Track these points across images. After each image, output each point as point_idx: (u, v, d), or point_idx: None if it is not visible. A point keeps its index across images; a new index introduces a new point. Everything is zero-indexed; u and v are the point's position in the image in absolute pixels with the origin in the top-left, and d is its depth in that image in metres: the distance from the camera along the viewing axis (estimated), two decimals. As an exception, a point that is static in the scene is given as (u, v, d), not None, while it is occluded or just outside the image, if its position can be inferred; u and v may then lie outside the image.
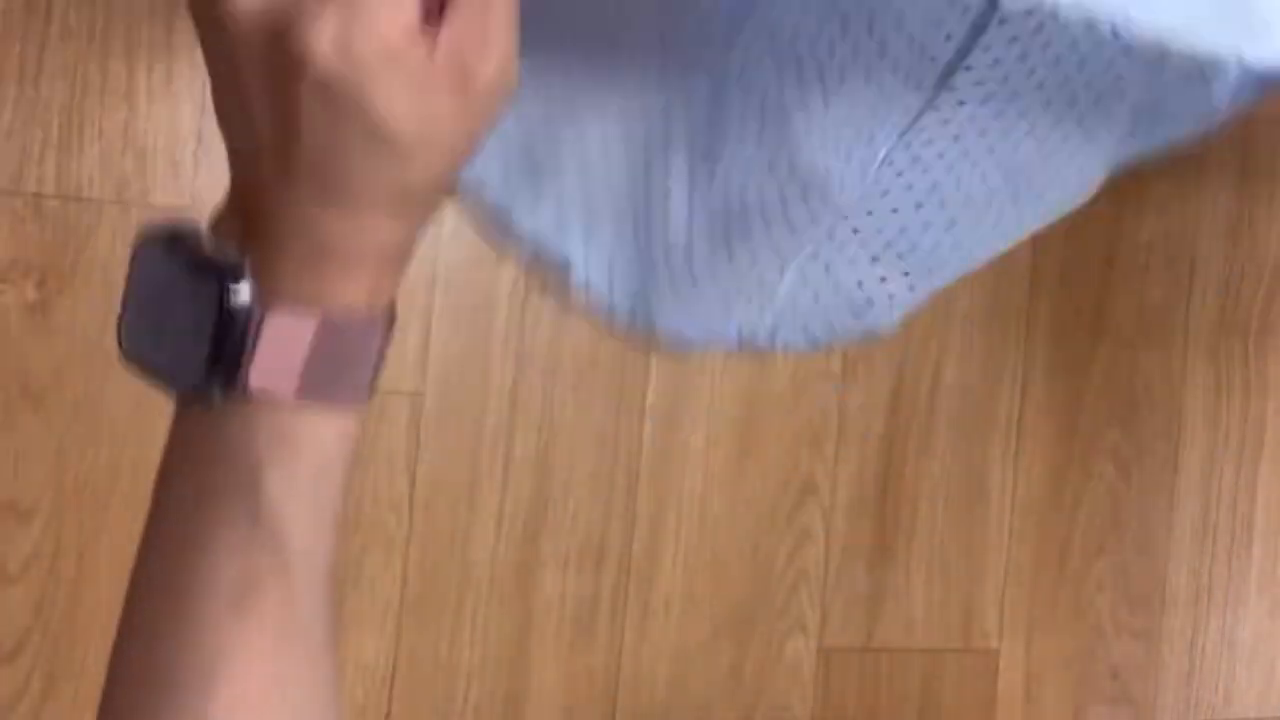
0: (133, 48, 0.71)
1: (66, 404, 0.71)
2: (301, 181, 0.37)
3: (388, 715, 0.79)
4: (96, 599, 0.72)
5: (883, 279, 0.52)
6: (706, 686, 0.87)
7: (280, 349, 0.37)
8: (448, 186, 0.39)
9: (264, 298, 0.36)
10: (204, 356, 0.36)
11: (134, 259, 0.37)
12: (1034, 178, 0.55)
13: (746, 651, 0.88)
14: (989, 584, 0.95)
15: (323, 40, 0.34)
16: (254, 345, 0.36)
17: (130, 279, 0.37)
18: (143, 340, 0.39)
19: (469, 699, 0.81)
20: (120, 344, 0.37)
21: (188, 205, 0.72)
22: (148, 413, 0.73)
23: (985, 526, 0.94)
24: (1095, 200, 0.48)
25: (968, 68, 0.48)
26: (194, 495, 0.38)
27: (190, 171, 0.73)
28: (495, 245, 0.44)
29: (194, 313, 0.37)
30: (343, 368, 0.38)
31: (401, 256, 0.38)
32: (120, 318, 0.37)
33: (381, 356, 0.38)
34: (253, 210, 0.37)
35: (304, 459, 0.38)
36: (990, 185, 0.52)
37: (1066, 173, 0.56)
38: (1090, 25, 0.47)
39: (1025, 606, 0.96)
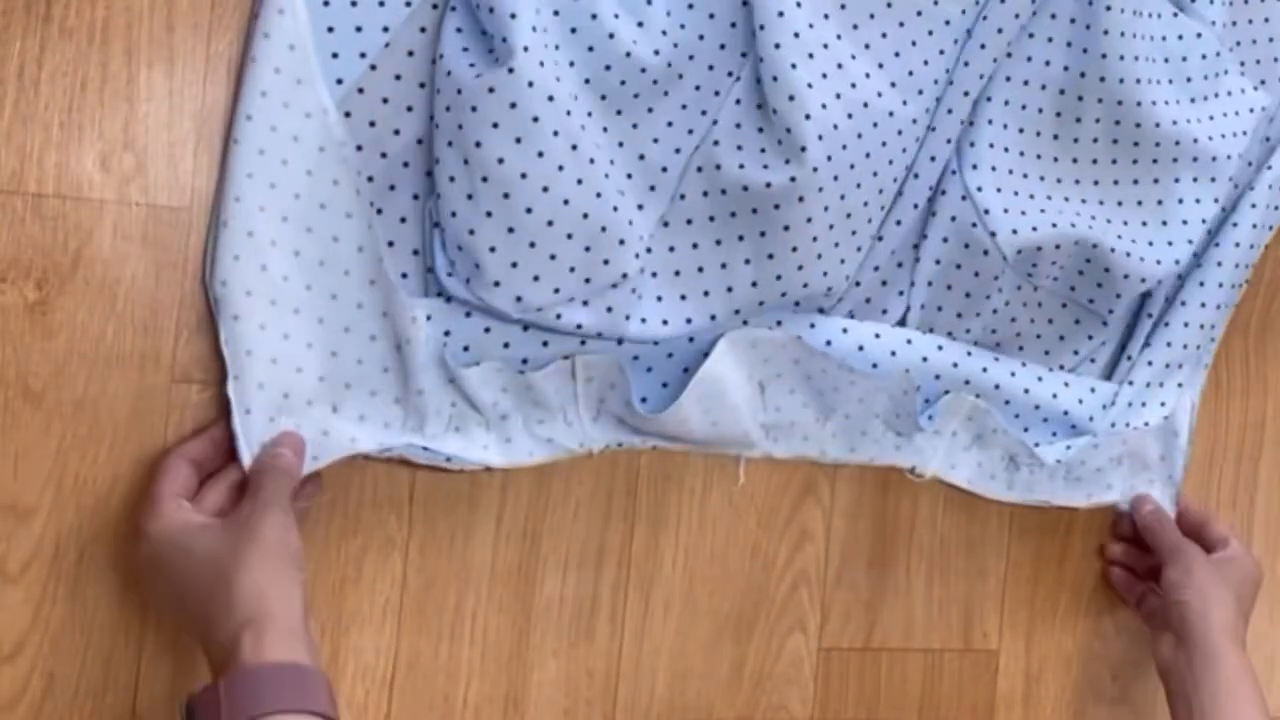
0: (133, 48, 0.71)
1: (66, 404, 0.71)
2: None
3: (387, 715, 0.79)
4: (96, 599, 0.72)
5: None
6: (706, 686, 0.87)
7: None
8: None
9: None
10: None
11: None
12: None
13: (746, 651, 0.88)
14: (989, 584, 0.95)
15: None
16: None
17: None
18: None
19: (469, 699, 0.81)
20: None
21: (188, 205, 0.73)
22: (148, 413, 0.73)
23: (985, 526, 0.94)
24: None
25: None
26: None
27: (190, 171, 0.73)
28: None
29: None
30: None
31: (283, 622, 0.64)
32: None
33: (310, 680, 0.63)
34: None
35: None
36: None
37: None
38: None
39: (1025, 606, 0.96)
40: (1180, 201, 0.91)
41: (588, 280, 0.77)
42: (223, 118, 0.73)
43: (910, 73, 0.84)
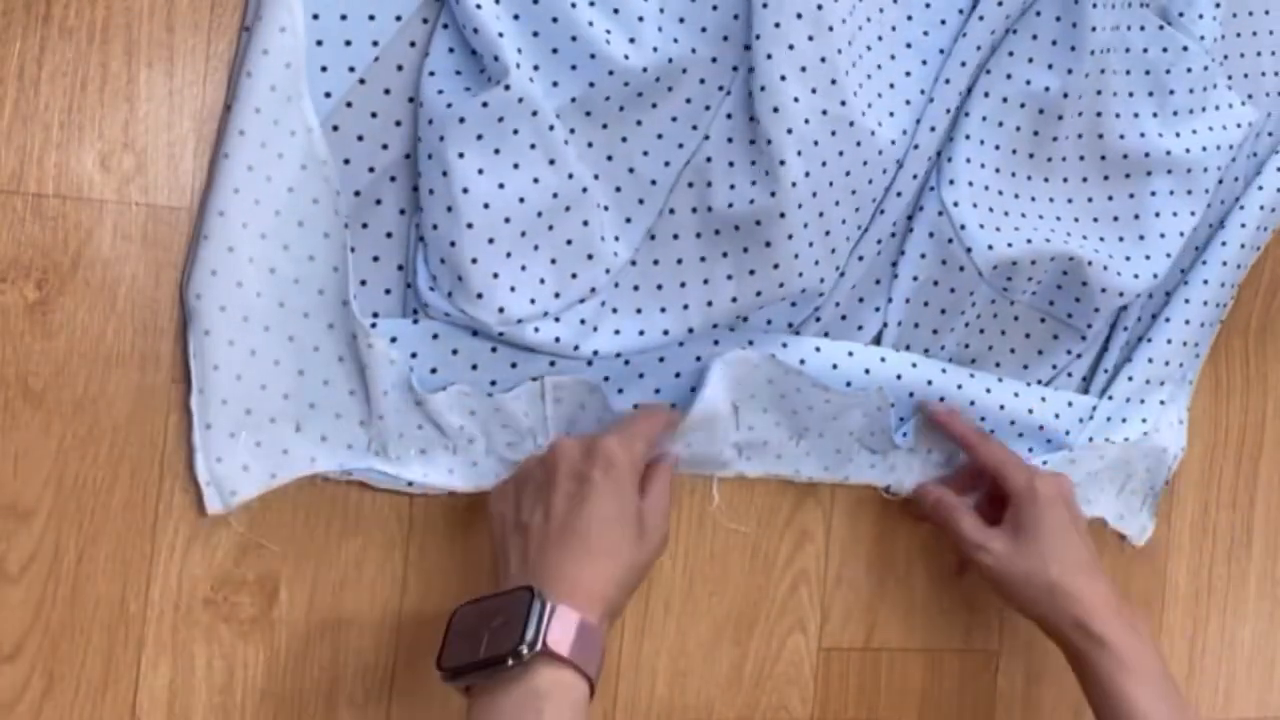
0: (133, 48, 0.71)
1: (66, 404, 0.71)
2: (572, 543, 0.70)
3: (387, 715, 0.79)
4: (96, 599, 0.72)
5: None
6: (706, 686, 0.87)
7: (562, 628, 0.66)
8: (632, 580, 0.73)
9: (550, 601, 0.67)
10: (519, 635, 0.65)
11: (453, 615, 0.70)
12: None
13: (746, 651, 0.88)
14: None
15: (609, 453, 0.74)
16: (549, 625, 0.66)
17: (450, 627, 0.70)
18: (463, 653, 0.68)
19: (469, 699, 0.81)
20: (443, 669, 0.68)
21: (188, 205, 0.73)
22: (148, 413, 0.73)
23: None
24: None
25: None
26: None
27: (190, 171, 0.73)
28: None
29: (509, 618, 0.66)
30: (588, 650, 0.67)
31: (617, 601, 0.71)
32: (441, 653, 0.69)
33: (603, 652, 0.68)
34: (534, 569, 0.70)
35: (570, 698, 0.65)
36: None
37: None
38: None
39: (1025, 606, 0.96)
40: (1157, 215, 0.91)
41: (557, 295, 0.77)
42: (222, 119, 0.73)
43: (892, 85, 0.84)
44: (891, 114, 0.84)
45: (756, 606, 0.88)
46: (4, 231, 0.69)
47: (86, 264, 0.71)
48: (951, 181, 0.87)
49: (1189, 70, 0.92)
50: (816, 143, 0.79)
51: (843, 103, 0.80)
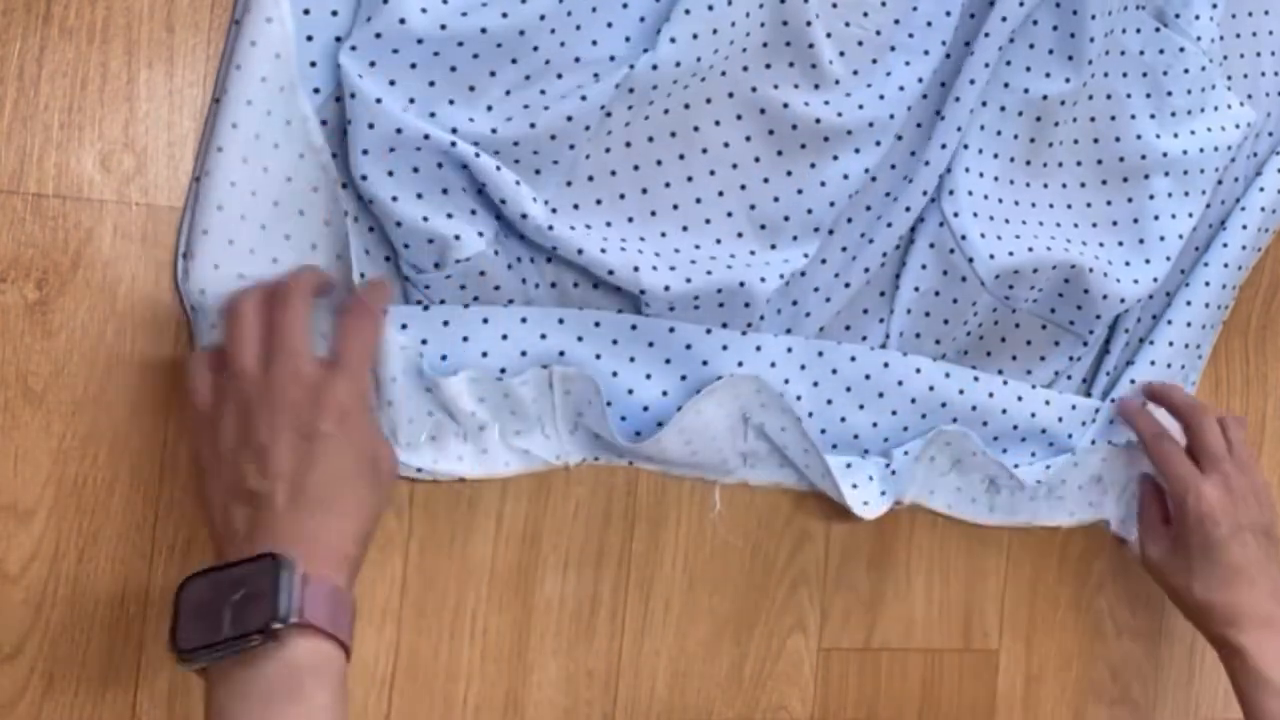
0: (133, 48, 0.71)
1: (66, 404, 0.71)
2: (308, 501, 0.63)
3: (387, 715, 0.79)
4: (96, 599, 0.72)
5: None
6: (706, 686, 0.87)
7: (316, 597, 0.61)
8: (372, 529, 0.66)
9: (299, 569, 0.61)
10: (270, 608, 0.59)
11: (180, 590, 0.63)
12: None
13: (746, 651, 0.88)
14: (989, 584, 0.95)
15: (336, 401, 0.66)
16: (304, 595, 0.60)
17: (179, 604, 0.63)
18: (198, 634, 0.61)
19: (469, 699, 0.81)
20: (180, 651, 0.61)
21: (188, 205, 0.73)
22: (148, 413, 0.73)
23: (986, 526, 0.94)
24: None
25: None
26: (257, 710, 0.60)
27: (190, 172, 0.73)
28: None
29: (254, 590, 0.60)
30: (343, 616, 0.63)
31: (359, 558, 0.65)
32: (173, 634, 0.62)
33: (354, 616, 0.64)
34: (270, 534, 0.62)
35: (331, 669, 0.62)
36: None
37: None
38: None
39: (1025, 606, 0.96)
40: (1157, 218, 0.91)
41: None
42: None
43: (909, 108, 0.85)
44: (913, 128, 0.85)
45: (756, 606, 0.88)
46: (4, 231, 0.69)
47: (86, 264, 0.71)
48: (951, 192, 0.87)
49: (1186, 71, 0.92)
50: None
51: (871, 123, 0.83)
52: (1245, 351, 1.03)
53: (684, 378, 0.81)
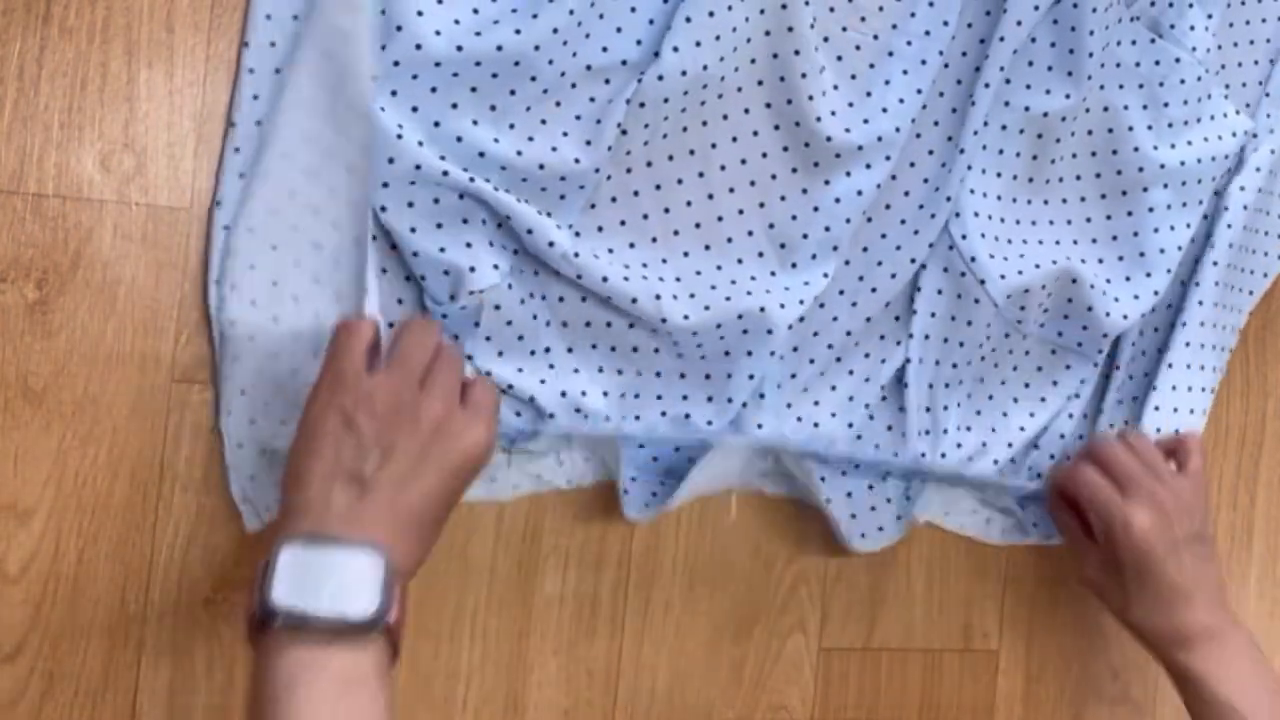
0: (133, 48, 0.71)
1: (66, 404, 0.71)
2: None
3: (388, 715, 0.79)
4: (96, 599, 0.72)
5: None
6: (706, 686, 0.87)
7: (400, 606, 0.64)
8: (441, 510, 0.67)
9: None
10: (377, 602, 0.62)
11: (279, 548, 0.62)
12: None
13: (746, 651, 0.88)
14: (989, 584, 0.95)
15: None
16: (395, 600, 0.63)
17: (276, 561, 0.62)
18: (294, 595, 0.61)
19: (469, 699, 0.81)
20: (265, 607, 0.61)
21: (188, 205, 0.73)
22: (148, 413, 0.73)
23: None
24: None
25: None
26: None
27: (190, 171, 0.73)
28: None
29: (353, 575, 0.62)
30: (405, 626, 0.64)
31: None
32: (269, 586, 0.61)
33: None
34: (367, 527, 0.64)
35: (389, 677, 0.63)
36: None
37: None
38: None
39: (1025, 606, 0.96)
40: (1156, 230, 0.91)
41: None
42: (222, 118, 0.73)
43: (918, 135, 0.85)
44: (924, 153, 0.85)
45: (756, 606, 0.88)
46: (4, 231, 0.69)
47: (86, 264, 0.71)
48: (958, 214, 0.86)
49: (1182, 82, 0.92)
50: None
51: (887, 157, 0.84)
52: (1245, 351, 1.03)
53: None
